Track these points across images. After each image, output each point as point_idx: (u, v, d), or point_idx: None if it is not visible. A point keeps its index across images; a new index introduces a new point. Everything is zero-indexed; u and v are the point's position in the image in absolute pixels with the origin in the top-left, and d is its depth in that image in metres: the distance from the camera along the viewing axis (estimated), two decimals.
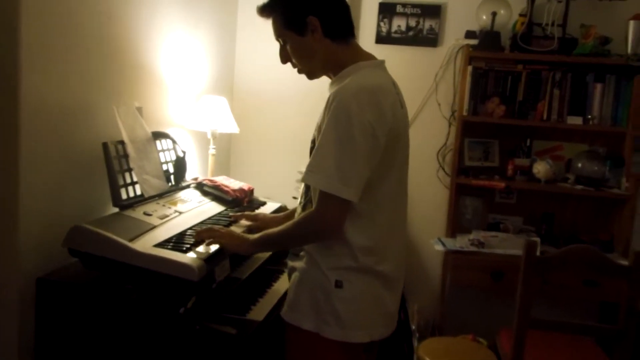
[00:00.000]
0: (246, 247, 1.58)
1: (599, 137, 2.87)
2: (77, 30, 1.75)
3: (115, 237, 1.47)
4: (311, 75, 1.59)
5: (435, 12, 2.96)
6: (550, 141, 2.91)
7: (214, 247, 1.59)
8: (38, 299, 1.54)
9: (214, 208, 2.06)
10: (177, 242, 1.60)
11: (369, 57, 1.53)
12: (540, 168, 2.81)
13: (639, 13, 2.61)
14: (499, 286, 2.62)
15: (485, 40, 2.72)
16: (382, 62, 1.52)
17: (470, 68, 2.71)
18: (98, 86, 1.89)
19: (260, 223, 1.89)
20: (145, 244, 1.52)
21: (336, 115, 1.35)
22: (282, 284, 2.00)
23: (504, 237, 2.82)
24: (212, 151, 2.57)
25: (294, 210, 1.90)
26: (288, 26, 1.50)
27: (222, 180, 2.27)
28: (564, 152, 2.91)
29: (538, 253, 2.68)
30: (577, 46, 2.71)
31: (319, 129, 1.44)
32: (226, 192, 2.18)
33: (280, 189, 3.01)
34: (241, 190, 2.26)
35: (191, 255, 1.51)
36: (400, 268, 1.55)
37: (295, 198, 3.21)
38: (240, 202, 2.22)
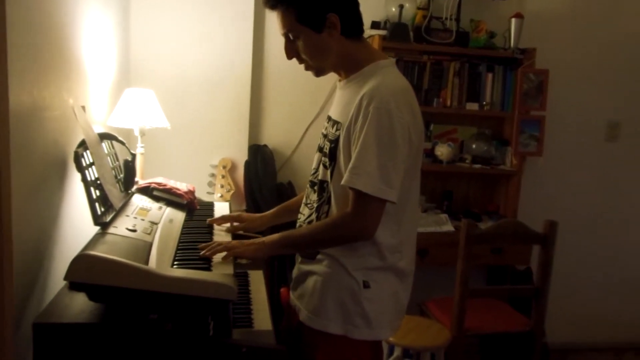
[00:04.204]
0: (264, 250, 1.49)
1: (485, 120, 3.24)
2: None
3: (135, 264, 1.26)
4: (320, 73, 1.54)
5: None
6: (446, 125, 3.20)
7: (225, 259, 1.47)
8: (37, 352, 1.23)
9: (175, 215, 1.87)
10: (192, 260, 1.44)
11: (383, 55, 1.54)
12: (443, 150, 3.08)
13: (519, 12, 2.98)
14: (424, 262, 2.83)
15: (395, 32, 2.86)
16: (395, 61, 1.54)
17: None
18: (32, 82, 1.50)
19: (247, 223, 1.80)
20: (163, 267, 1.34)
21: (378, 117, 1.34)
22: (257, 286, 1.93)
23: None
24: (140, 150, 2.31)
25: (285, 207, 1.82)
26: (304, 21, 1.43)
27: (166, 182, 2.06)
28: (458, 135, 3.23)
29: (452, 228, 2.98)
30: (470, 39, 3.01)
31: (348, 129, 1.41)
32: (180, 196, 2.00)
33: (191, 183, 2.83)
34: (190, 192, 2.09)
35: (220, 272, 1.38)
36: (413, 262, 1.61)
37: (210, 193, 3.04)
38: (193, 205, 2.06)
